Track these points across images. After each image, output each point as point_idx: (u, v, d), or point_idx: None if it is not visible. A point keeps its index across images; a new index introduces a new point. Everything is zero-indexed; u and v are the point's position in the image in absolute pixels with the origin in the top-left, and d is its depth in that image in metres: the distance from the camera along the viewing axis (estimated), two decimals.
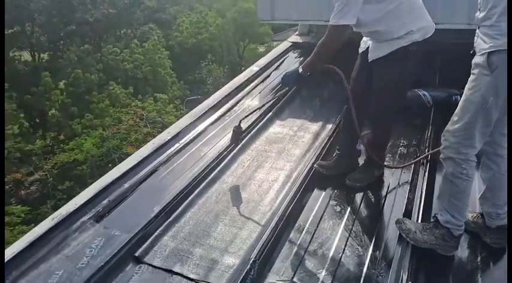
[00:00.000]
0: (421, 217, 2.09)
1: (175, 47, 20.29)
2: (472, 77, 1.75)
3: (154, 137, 10.99)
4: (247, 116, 2.68)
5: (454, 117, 1.82)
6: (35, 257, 1.87)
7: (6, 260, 1.81)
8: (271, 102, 3.23)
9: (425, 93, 3.18)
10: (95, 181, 2.45)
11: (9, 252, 1.87)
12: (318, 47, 2.23)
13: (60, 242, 1.96)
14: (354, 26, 2.19)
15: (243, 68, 21.54)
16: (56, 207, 11.16)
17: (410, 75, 2.32)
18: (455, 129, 1.80)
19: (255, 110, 2.80)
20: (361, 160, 2.58)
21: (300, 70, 2.31)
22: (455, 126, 1.81)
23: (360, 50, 2.43)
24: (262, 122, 3.19)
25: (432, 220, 1.96)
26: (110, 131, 12.76)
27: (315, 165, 2.57)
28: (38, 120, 15.77)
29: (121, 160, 10.68)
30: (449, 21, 3.65)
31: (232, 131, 2.63)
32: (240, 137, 2.69)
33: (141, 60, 16.35)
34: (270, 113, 3.30)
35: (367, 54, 2.31)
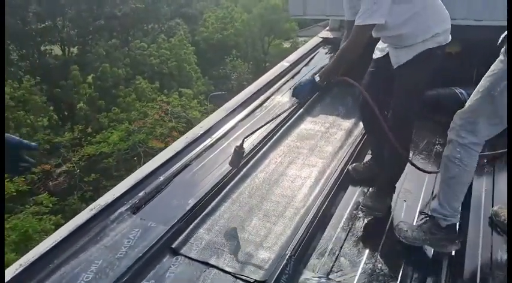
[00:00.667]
0: None
1: (200, 42, 20.45)
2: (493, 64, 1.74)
3: (179, 131, 11.12)
4: (250, 135, 2.36)
5: (468, 101, 1.80)
6: (76, 246, 1.92)
7: (48, 248, 1.87)
8: (280, 116, 2.69)
9: (462, 91, 3.10)
10: (120, 174, 2.50)
11: (51, 241, 1.92)
12: (341, 52, 2.06)
13: (99, 232, 2.00)
14: (376, 30, 2.02)
15: (267, 64, 21.57)
16: (82, 199, 11.48)
17: (430, 78, 2.17)
18: (462, 111, 1.79)
19: (259, 128, 2.43)
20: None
21: (317, 79, 2.08)
22: (462, 109, 1.79)
23: (375, 56, 2.31)
24: (293, 119, 3.17)
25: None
26: (135, 125, 12.97)
27: (349, 167, 2.54)
28: (66, 113, 16.19)
29: (146, 154, 10.85)
30: (489, 18, 3.55)
31: (233, 151, 2.29)
32: (242, 159, 2.34)
33: (167, 55, 16.53)
34: (301, 110, 3.28)
35: (385, 61, 2.18)
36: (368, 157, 2.67)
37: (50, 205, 10.29)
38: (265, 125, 2.41)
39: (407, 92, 2.12)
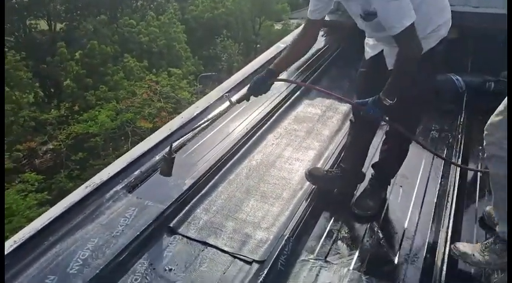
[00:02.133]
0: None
1: (190, 21, 20.09)
2: None
3: (167, 111, 10.98)
4: (178, 139, 2.26)
5: (501, 107, 1.57)
6: (71, 224, 1.88)
7: (44, 224, 1.83)
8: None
9: (458, 78, 3.11)
10: (107, 153, 2.46)
11: (46, 217, 1.89)
12: (399, 67, 1.74)
13: (95, 210, 1.97)
14: (369, 26, 1.80)
15: (258, 46, 21.37)
16: (69, 177, 11.37)
17: (433, 80, 1.99)
18: (498, 121, 1.55)
19: (192, 130, 2.32)
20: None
21: (388, 102, 1.75)
22: (500, 118, 1.55)
23: (367, 55, 2.03)
24: (290, 101, 3.16)
25: (489, 236, 1.74)
26: (123, 103, 12.81)
27: (305, 171, 2.27)
28: (52, 90, 15.88)
29: (134, 133, 10.75)
30: (485, 5, 3.54)
31: (163, 159, 2.07)
32: (173, 166, 2.02)
33: (156, 34, 16.24)
34: (298, 92, 3.26)
35: (379, 60, 1.93)
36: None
37: (36, 183, 10.18)
38: (197, 127, 2.25)
39: (408, 99, 1.85)
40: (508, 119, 1.50)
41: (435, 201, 2.16)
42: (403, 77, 1.76)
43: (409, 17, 1.60)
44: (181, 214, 1.99)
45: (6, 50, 14.26)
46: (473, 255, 1.67)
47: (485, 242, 1.70)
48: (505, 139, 1.50)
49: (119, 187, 2.13)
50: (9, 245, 1.73)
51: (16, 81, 12.93)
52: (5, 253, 1.69)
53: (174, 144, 2.09)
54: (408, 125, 2.00)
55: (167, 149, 2.00)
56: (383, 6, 1.61)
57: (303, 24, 2.08)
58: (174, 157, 2.01)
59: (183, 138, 2.22)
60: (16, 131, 12.29)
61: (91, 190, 2.06)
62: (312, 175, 2.22)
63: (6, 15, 14.88)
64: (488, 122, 1.62)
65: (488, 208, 2.00)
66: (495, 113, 1.61)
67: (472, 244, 1.75)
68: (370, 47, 2.01)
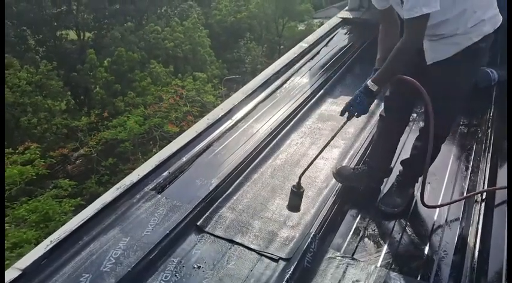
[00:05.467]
0: None
1: (214, 25, 20.29)
2: None
3: (193, 115, 11.13)
4: (305, 171, 1.95)
5: None
6: (103, 224, 1.95)
7: (77, 226, 1.91)
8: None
9: (492, 70, 3.02)
10: (136, 157, 2.52)
11: (80, 219, 1.96)
12: (395, 53, 1.72)
13: (125, 211, 2.04)
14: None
15: (282, 47, 21.34)
16: (100, 182, 11.67)
17: (474, 78, 1.95)
18: None
19: (314, 160, 1.99)
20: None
21: (374, 88, 1.75)
22: None
23: None
24: (313, 100, 3.16)
25: None
26: (151, 109, 13.04)
27: (332, 170, 2.26)
28: (83, 98, 16.34)
29: (162, 138, 10.93)
30: None
31: (290, 192, 1.93)
32: (302, 200, 1.94)
33: (181, 39, 16.48)
34: (322, 91, 3.26)
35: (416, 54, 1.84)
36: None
37: (69, 189, 10.50)
38: (318, 155, 2.00)
39: (443, 95, 1.81)
40: (507, 118, 1.45)
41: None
42: (394, 65, 1.75)
43: (431, 5, 1.58)
44: (208, 214, 2.04)
45: (38, 59, 14.81)
46: None
47: None
48: None
49: (148, 188, 2.19)
50: (46, 245, 1.81)
51: (48, 90, 13.39)
52: (42, 253, 1.77)
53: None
54: (445, 121, 1.95)
55: (296, 183, 1.89)
56: None
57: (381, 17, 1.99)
58: (303, 191, 1.90)
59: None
60: (49, 138, 12.71)
61: (122, 192, 2.13)
62: (339, 174, 2.23)
63: (38, 27, 15.48)
64: None
65: None
66: None
67: None
68: None
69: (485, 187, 2.11)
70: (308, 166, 1.94)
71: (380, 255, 1.80)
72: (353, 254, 1.81)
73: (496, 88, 3.01)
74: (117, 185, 2.19)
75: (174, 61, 16.15)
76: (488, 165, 2.27)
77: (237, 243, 1.86)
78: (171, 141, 2.70)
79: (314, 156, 1.99)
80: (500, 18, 1.81)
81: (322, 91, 3.25)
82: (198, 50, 16.91)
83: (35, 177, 9.38)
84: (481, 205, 1.99)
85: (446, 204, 2.06)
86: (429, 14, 1.60)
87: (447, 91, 1.85)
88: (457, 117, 2.11)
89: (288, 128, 2.82)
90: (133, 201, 2.10)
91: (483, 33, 1.75)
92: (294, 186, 1.90)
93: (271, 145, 2.64)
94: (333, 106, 3.11)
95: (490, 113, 2.76)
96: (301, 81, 3.46)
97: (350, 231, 1.95)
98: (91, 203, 2.09)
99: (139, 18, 18.21)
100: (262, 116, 2.97)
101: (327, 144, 1.95)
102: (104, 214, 2.01)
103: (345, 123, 1.95)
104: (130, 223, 1.96)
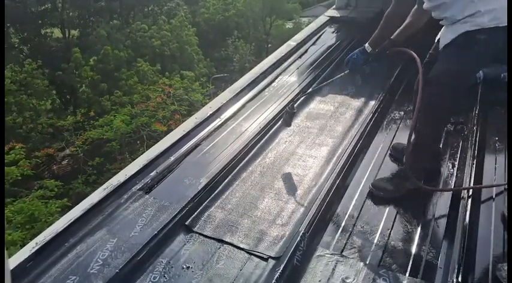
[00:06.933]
0: None
1: (201, 23, 20.21)
2: None
3: (181, 114, 11.07)
4: (301, 95, 2.67)
5: None
6: (90, 225, 1.93)
7: (64, 227, 1.88)
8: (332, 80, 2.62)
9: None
10: (124, 157, 2.50)
11: (66, 220, 1.93)
12: (383, 20, 2.08)
13: (113, 211, 2.02)
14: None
15: (269, 45, 21.35)
16: (86, 182, 11.52)
17: (472, 69, 1.98)
18: None
19: (311, 90, 2.69)
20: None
21: (366, 47, 2.14)
22: None
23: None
24: (302, 98, 3.15)
25: None
26: (138, 108, 12.92)
27: (370, 187, 2.19)
28: (68, 97, 16.13)
29: (149, 137, 10.84)
30: None
31: (285, 112, 2.60)
32: (292, 118, 2.60)
33: (168, 37, 16.36)
34: (310, 89, 3.26)
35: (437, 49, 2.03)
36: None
37: (55, 189, 10.36)
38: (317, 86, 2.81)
39: (433, 79, 1.92)
40: (507, 118, 1.49)
41: (451, 194, 2.15)
42: (383, 30, 2.08)
43: None
44: (197, 213, 2.02)
45: (22, 57, 14.57)
46: None
47: None
48: None
49: (136, 188, 2.17)
50: (31, 247, 1.79)
51: (33, 89, 13.18)
52: (27, 255, 1.74)
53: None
54: (439, 114, 2.03)
55: (290, 105, 2.55)
56: None
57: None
58: (295, 112, 2.57)
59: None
60: (34, 138, 12.52)
61: (109, 192, 2.11)
62: (376, 187, 2.17)
63: (22, 25, 15.22)
64: None
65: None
66: None
67: None
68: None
69: (471, 183, 2.14)
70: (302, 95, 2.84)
71: (369, 252, 1.81)
72: (342, 251, 1.81)
73: (482, 86, 3.04)
74: (104, 185, 2.17)
75: (161, 59, 16.03)
76: (475, 161, 2.29)
77: (227, 243, 1.85)
78: (158, 141, 2.68)
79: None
80: (505, 16, 1.75)
81: (310, 90, 3.25)
82: (186, 48, 16.82)
83: (20, 178, 9.24)
84: (467, 201, 2.01)
85: (440, 190, 2.18)
86: None
87: (437, 75, 1.93)
88: (453, 109, 2.20)
89: (276, 126, 2.81)
90: (121, 201, 2.07)
91: (479, 24, 1.75)
92: (288, 107, 2.56)
93: (260, 144, 2.64)
94: (321, 104, 3.11)
95: (475, 111, 2.79)
96: (290, 80, 3.46)
97: (339, 228, 1.95)
98: (77, 204, 2.06)
99: (125, 16, 18.03)
100: (251, 115, 2.96)
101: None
102: (91, 215, 1.98)
103: (342, 76, 2.44)
104: (118, 224, 1.94)
